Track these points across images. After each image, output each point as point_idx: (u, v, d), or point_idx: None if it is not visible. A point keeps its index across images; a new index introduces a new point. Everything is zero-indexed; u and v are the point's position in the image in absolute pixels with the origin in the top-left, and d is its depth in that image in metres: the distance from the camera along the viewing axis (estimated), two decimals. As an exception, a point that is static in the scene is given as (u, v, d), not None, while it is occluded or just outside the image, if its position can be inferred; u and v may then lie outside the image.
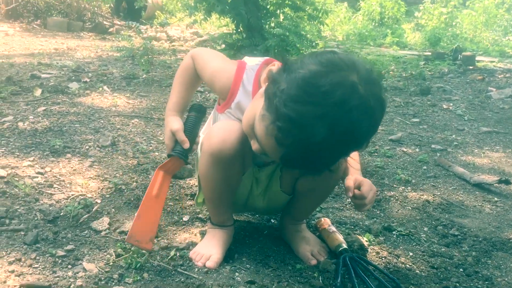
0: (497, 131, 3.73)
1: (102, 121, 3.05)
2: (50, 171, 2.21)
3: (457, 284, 1.66)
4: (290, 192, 1.74)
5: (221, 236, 1.69)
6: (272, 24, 5.67)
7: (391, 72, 6.11)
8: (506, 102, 4.70)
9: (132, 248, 1.61)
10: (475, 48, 9.40)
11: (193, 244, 1.71)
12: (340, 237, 1.81)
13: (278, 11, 5.81)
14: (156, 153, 2.62)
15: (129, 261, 1.56)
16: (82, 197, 2.00)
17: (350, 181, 1.55)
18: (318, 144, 1.19)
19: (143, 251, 1.61)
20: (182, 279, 1.52)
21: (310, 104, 1.17)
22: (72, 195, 2.01)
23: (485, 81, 5.71)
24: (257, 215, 2.05)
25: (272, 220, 2.04)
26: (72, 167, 2.29)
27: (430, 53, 8.21)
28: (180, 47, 7.39)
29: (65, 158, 2.38)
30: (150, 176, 2.30)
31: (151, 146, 2.74)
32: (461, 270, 1.76)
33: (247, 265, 1.64)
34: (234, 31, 5.41)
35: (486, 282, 1.68)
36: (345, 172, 1.63)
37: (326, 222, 1.90)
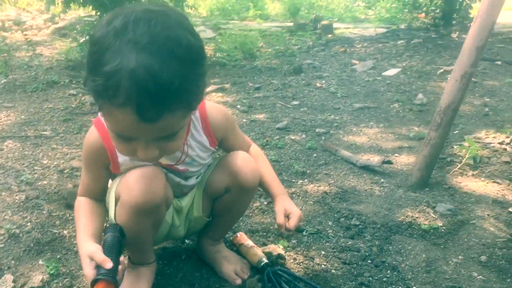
0: (367, 106, 4.05)
1: (-30, 149, 2.72)
2: None
3: (370, 279, 1.81)
4: (209, 214, 1.75)
5: (145, 275, 1.64)
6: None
7: (261, 50, 6.26)
8: (370, 74, 5.10)
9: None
10: (330, 15, 9.99)
11: None
12: (258, 251, 1.85)
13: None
14: (45, 182, 2.41)
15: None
16: (-28, 254, 1.79)
17: (280, 216, 1.61)
18: (150, 67, 1.05)
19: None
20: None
21: (96, 53, 1.10)
22: (-40, 253, 1.79)
23: (347, 53, 6.12)
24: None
25: (186, 241, 2.02)
26: (-50, 217, 2.02)
27: (292, 24, 8.57)
28: (35, 37, 6.78)
29: None
30: (44, 212, 2.12)
31: (35, 173, 2.51)
32: (369, 261, 1.92)
33: (175, 301, 1.62)
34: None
35: (394, 272, 1.86)
36: (262, 182, 1.69)
37: (242, 237, 1.94)
